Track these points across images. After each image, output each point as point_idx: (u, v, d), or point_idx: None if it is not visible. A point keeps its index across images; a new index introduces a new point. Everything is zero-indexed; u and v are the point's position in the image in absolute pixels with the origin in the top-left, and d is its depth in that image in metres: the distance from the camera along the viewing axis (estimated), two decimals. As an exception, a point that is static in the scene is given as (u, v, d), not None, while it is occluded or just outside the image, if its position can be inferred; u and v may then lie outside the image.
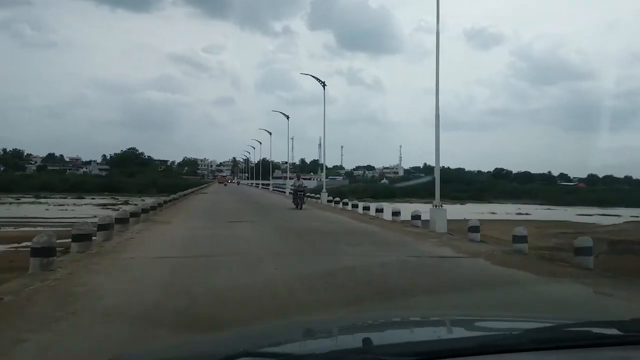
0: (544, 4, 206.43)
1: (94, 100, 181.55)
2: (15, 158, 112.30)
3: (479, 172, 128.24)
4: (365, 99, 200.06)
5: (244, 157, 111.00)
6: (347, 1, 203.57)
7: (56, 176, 76.58)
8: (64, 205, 36.05)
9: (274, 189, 60.75)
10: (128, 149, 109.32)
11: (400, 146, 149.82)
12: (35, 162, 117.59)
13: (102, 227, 9.73)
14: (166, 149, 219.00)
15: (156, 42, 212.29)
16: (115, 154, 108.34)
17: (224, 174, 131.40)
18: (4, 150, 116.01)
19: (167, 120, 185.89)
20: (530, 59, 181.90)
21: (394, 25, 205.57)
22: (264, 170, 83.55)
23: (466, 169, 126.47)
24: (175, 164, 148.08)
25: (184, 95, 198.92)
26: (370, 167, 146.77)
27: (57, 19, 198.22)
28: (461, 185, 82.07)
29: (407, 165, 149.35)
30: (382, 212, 19.06)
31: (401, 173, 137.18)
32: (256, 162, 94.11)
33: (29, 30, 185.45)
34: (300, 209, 20.26)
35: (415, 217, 15.71)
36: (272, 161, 78.65)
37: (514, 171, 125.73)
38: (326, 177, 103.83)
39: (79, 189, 62.79)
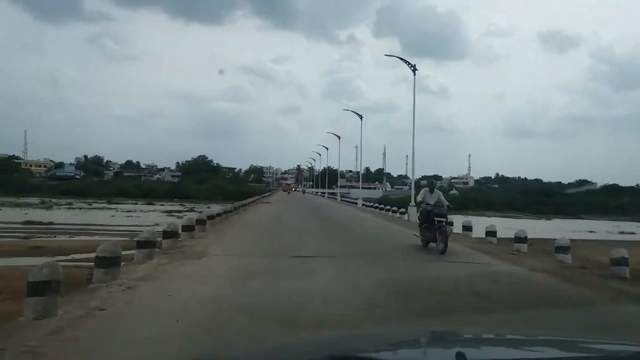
0: (624, 2, 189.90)
1: (169, 110, 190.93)
2: (95, 164, 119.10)
3: (559, 183, 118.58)
4: (431, 106, 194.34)
5: (309, 165, 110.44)
6: (413, 7, 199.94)
7: (130, 183, 79.77)
8: (131, 211, 36.21)
9: (342, 199, 58.36)
10: (198, 157, 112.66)
11: (469, 155, 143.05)
12: (114, 169, 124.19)
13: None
14: (234, 157, 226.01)
15: (227, 54, 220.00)
16: (186, 161, 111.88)
17: (288, 182, 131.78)
18: (85, 157, 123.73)
19: (235, 129, 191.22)
20: (612, 62, 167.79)
21: (461, 30, 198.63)
22: (328, 178, 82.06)
23: (544, 180, 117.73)
24: (242, 171, 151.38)
25: (252, 105, 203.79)
26: (437, 177, 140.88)
27: (136, 34, 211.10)
28: (542, 197, 75.50)
29: (476, 175, 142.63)
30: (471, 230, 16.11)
31: (471, 183, 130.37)
32: (320, 170, 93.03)
33: (112, 44, 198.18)
34: (443, 252, 10.02)
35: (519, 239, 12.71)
36: (338, 169, 76.73)
37: (599, 183, 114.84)
38: (392, 187, 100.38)
39: (150, 195, 64.52)
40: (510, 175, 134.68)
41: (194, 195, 68.19)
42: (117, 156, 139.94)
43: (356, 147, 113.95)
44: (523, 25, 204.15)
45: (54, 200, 49.46)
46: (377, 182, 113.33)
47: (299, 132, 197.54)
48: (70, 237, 18.98)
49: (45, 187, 68.88)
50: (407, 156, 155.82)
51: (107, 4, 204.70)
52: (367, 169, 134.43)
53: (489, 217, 45.94)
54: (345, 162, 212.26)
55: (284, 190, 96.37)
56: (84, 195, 59.65)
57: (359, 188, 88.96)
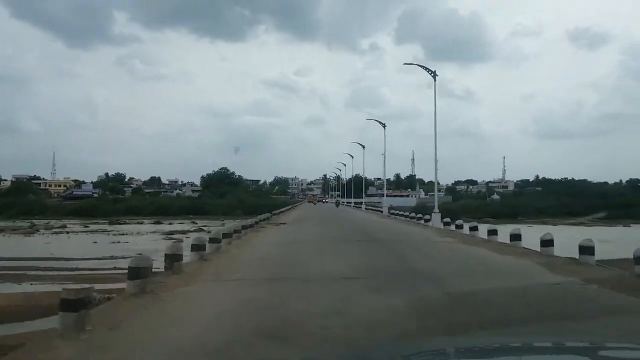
0: None
1: (196, 126, 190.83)
2: (116, 182, 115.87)
3: (605, 183, 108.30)
4: (456, 110, 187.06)
5: (335, 175, 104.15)
6: (434, 12, 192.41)
7: (144, 199, 74.90)
8: (127, 234, 30.50)
9: (367, 208, 51.69)
10: (220, 169, 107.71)
11: (504, 157, 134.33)
12: (135, 186, 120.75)
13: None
14: (260, 171, 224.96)
15: (251, 69, 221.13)
16: (207, 174, 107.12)
17: (314, 193, 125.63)
18: (106, 174, 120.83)
19: (260, 142, 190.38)
20: None
21: (486, 32, 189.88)
22: (356, 187, 75.35)
23: (590, 180, 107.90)
24: (267, 183, 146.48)
25: (276, 118, 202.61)
26: (472, 182, 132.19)
27: (164, 54, 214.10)
28: (598, 199, 66.74)
29: (512, 178, 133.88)
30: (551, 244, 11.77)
31: (511, 187, 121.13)
32: (347, 179, 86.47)
33: (140, 65, 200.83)
34: None
35: None
36: (365, 177, 70.16)
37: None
38: (426, 194, 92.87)
39: (164, 212, 59.34)
40: (551, 177, 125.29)
41: (211, 210, 62.59)
42: (143, 174, 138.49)
43: (383, 154, 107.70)
44: (551, 24, 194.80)
45: (53, 222, 44.61)
46: (409, 190, 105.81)
47: (323, 142, 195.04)
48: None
49: (54, 208, 64.62)
50: (437, 161, 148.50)
51: (135, 26, 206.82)
52: (398, 176, 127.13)
53: (553, 225, 38.40)
54: (372, 170, 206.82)
55: (309, 202, 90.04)
56: (93, 215, 54.94)
57: (388, 197, 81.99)
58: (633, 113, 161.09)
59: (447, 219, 22.05)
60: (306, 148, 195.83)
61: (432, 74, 27.02)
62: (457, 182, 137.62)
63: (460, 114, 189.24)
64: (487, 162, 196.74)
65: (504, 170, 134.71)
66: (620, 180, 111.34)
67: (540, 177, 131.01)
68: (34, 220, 47.28)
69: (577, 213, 56.39)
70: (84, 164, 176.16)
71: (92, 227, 37.96)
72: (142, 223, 44.20)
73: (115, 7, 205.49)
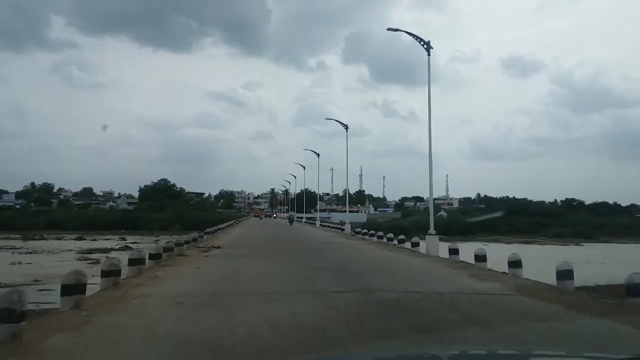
0: (583, 30, 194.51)
1: (137, 137, 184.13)
2: (43, 192, 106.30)
3: (543, 202, 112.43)
4: (401, 130, 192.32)
5: (283, 189, 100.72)
6: (380, 36, 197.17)
7: (70, 212, 67.90)
8: (37, 252, 25.65)
9: (322, 224, 47.49)
10: (159, 181, 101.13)
11: (447, 176, 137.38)
12: (64, 197, 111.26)
13: None
14: (205, 184, 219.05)
15: (197, 81, 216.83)
16: (145, 186, 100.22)
17: (261, 207, 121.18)
18: (32, 184, 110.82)
19: (206, 155, 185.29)
20: (572, 86, 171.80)
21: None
22: (306, 202, 72.36)
23: (530, 199, 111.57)
24: (212, 197, 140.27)
25: (223, 131, 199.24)
26: (419, 198, 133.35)
27: (103, 61, 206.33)
28: (545, 218, 67.80)
29: (455, 195, 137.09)
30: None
31: (455, 204, 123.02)
32: (296, 193, 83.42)
33: (77, 72, 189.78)
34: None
35: None
36: (318, 191, 67.49)
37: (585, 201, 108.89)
38: (375, 210, 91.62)
39: (91, 227, 53.48)
40: (491, 195, 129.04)
41: (146, 225, 57.20)
42: (77, 185, 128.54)
43: (332, 169, 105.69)
44: (487, 52, 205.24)
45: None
46: (358, 205, 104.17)
47: (271, 156, 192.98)
48: None
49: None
50: (383, 178, 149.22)
51: (73, 32, 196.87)
52: (345, 192, 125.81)
53: (507, 243, 37.24)
54: (320, 185, 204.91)
55: (255, 216, 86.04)
56: (8, 228, 48.31)
57: (338, 212, 79.39)
58: (560, 137, 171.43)
59: (453, 246, 14.45)
60: (253, 162, 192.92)
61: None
62: (404, 199, 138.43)
63: (405, 133, 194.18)
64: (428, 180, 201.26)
65: (447, 187, 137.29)
66: (555, 200, 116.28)
67: (482, 195, 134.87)
68: None
69: (524, 231, 56.42)
70: (11, 173, 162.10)
71: (2, 242, 32.37)
72: (62, 239, 38.70)
73: (53, 11, 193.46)
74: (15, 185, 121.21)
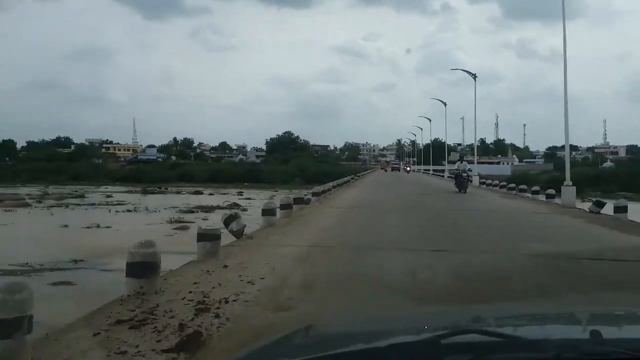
0: None
1: (267, 95, 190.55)
2: (184, 147, 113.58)
3: None
4: (541, 72, 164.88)
5: (409, 140, 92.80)
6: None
7: (201, 165, 69.28)
8: (136, 210, 23.49)
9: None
10: (284, 133, 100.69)
11: (605, 121, 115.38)
12: (202, 151, 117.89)
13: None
14: (330, 137, 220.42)
15: (318, 36, 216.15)
16: (271, 138, 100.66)
17: (387, 159, 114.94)
18: (175, 139, 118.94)
19: (330, 109, 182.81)
20: None
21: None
22: (435, 153, 64.26)
23: None
24: (337, 149, 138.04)
25: (346, 85, 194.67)
26: (573, 147, 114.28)
27: (234, 24, 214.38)
28: None
29: (617, 143, 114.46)
30: None
31: (622, 153, 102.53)
32: (424, 144, 75.34)
33: (212, 35, 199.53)
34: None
35: None
36: (446, 141, 59.28)
37: None
38: (520, 161, 79.56)
39: (217, 179, 53.36)
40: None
41: (268, 178, 55.50)
42: (215, 140, 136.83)
43: (462, 118, 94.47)
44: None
45: (88, 187, 39.70)
46: (499, 156, 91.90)
47: (394, 109, 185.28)
48: None
49: (107, 173, 61.05)
50: (524, 125, 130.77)
51: None
52: (483, 141, 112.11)
53: None
54: (449, 137, 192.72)
55: (381, 168, 79.92)
56: (142, 181, 50.11)
57: (474, 163, 70.15)
58: None
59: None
60: (377, 114, 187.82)
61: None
62: (553, 148, 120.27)
63: (545, 75, 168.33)
64: (582, 126, 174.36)
65: (605, 134, 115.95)
66: None
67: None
68: (77, 186, 42.92)
69: None
70: (161, 130, 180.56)
71: (119, 196, 31.81)
72: (180, 193, 37.69)
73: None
74: (162, 140, 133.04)
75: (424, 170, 65.09)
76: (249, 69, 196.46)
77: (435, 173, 56.69)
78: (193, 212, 22.46)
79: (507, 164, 75.69)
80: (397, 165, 77.08)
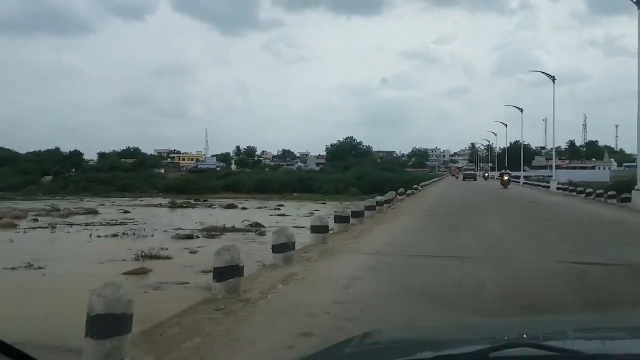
0: None
1: (336, 103, 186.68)
2: (246, 155, 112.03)
3: None
4: (631, 70, 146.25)
5: (485, 144, 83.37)
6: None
7: (250, 175, 65.36)
8: (129, 230, 18.78)
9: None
10: (345, 139, 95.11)
11: None
12: (263, 159, 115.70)
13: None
14: (397, 144, 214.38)
15: (388, 42, 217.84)
16: (331, 145, 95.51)
17: (459, 165, 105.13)
18: (237, 147, 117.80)
19: (398, 116, 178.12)
20: None
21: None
22: (514, 157, 55.11)
23: None
24: (404, 155, 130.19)
25: (415, 90, 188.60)
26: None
27: (305, 35, 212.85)
28: None
29: None
30: None
31: None
32: (501, 148, 66.12)
33: (284, 48, 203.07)
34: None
35: None
36: (522, 150, 51.01)
37: None
38: (619, 165, 68.15)
39: (263, 189, 48.96)
40: None
41: (320, 187, 50.13)
42: (280, 150, 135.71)
43: (545, 119, 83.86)
44: None
45: (114, 198, 36.55)
46: (594, 159, 79.53)
47: (466, 113, 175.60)
48: None
49: (159, 182, 58.94)
50: (616, 126, 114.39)
51: (278, 10, 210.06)
52: (572, 143, 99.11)
53: None
54: (529, 140, 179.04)
55: (452, 175, 71.19)
56: (184, 192, 46.94)
57: (563, 168, 60.91)
58: None
59: None
60: (448, 119, 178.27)
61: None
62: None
63: (635, 73, 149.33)
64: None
65: None
66: None
67: None
68: (117, 198, 40.29)
69: None
70: (232, 141, 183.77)
71: (138, 211, 27.79)
72: (211, 206, 33.14)
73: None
74: (230, 151, 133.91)
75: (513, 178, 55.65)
76: (318, 78, 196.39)
77: (529, 183, 43.02)
78: (192, 237, 17.38)
79: (604, 168, 64.18)
80: (471, 172, 54.48)
